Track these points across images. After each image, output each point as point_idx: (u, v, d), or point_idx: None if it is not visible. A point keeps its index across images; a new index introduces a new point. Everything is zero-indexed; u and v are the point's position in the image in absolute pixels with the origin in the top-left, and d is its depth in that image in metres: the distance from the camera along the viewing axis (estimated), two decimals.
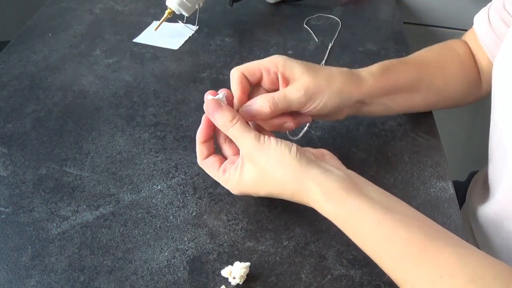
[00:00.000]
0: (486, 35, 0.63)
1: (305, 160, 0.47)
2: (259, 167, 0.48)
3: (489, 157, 0.60)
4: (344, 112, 0.57)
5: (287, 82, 0.53)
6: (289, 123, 0.54)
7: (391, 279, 0.47)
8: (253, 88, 0.55)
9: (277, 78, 0.53)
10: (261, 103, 0.52)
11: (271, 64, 0.53)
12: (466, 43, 0.67)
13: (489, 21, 0.62)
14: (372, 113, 0.61)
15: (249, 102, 0.52)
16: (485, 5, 0.66)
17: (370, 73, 0.57)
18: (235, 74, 0.53)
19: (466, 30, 0.69)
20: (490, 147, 0.59)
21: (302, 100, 0.52)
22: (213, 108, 0.50)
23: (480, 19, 0.65)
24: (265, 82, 0.54)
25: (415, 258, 0.41)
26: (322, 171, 0.46)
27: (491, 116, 0.57)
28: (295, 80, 0.53)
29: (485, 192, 0.63)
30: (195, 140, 0.53)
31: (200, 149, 0.53)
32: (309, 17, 0.92)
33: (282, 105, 0.52)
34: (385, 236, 0.42)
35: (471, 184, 0.74)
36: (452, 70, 0.64)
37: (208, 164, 0.53)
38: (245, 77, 0.53)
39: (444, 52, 0.66)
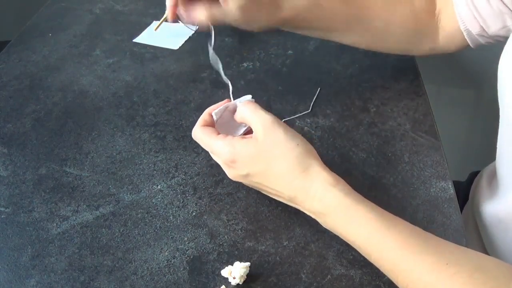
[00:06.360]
0: (462, 4, 0.61)
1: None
2: (272, 141, 0.48)
3: (497, 156, 0.59)
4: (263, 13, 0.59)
5: None
6: None
7: (391, 279, 0.47)
8: None
9: None
10: None
11: None
12: None
13: None
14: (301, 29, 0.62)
15: None
16: None
17: None
18: None
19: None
20: (499, 146, 0.58)
21: None
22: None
23: None
24: None
25: (419, 247, 0.41)
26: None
27: (500, 114, 0.56)
28: None
29: (492, 191, 0.63)
30: (195, 140, 0.53)
31: (204, 118, 0.53)
32: None
33: None
34: (385, 226, 0.43)
35: (474, 183, 0.74)
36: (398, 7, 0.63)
37: (207, 131, 0.52)
38: None
39: None
